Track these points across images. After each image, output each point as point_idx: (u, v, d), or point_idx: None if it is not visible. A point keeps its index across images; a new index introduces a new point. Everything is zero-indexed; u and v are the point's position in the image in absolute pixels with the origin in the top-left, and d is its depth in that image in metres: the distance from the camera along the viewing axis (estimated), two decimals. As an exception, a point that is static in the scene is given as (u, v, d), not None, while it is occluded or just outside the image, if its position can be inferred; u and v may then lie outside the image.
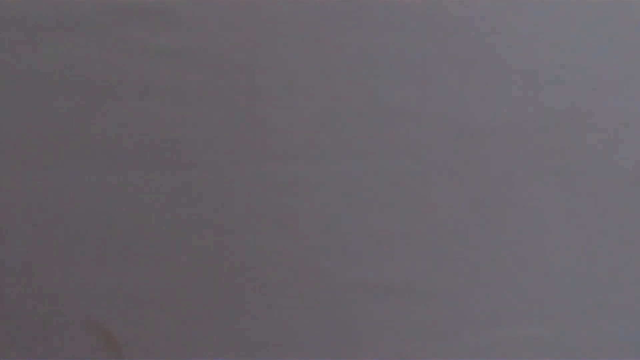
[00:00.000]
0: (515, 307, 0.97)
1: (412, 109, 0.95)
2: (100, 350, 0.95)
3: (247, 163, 0.94)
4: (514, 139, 0.96)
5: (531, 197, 0.97)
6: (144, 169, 0.93)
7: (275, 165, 0.94)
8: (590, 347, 0.98)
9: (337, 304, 0.96)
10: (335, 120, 0.94)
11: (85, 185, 0.93)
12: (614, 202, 0.97)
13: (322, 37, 0.94)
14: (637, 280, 0.98)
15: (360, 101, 0.94)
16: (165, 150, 0.93)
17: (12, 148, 0.92)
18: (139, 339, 0.95)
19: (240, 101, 0.93)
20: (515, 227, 0.97)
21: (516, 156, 0.96)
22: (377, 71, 0.94)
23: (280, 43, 0.93)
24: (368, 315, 0.96)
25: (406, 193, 0.96)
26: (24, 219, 0.93)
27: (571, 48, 0.95)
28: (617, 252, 0.98)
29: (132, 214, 0.94)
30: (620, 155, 0.97)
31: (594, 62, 0.96)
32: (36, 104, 0.92)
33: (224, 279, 0.95)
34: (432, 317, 0.97)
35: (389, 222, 0.96)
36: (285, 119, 0.94)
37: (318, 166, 0.95)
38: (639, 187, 0.97)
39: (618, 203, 0.97)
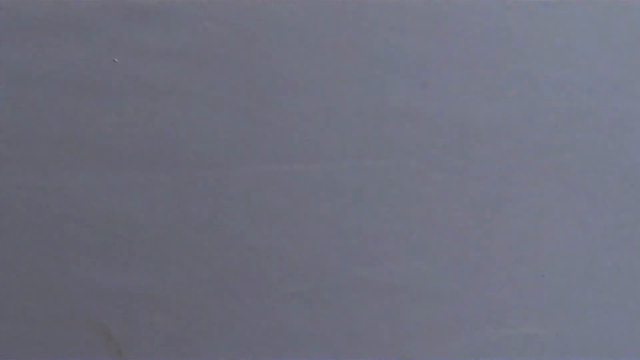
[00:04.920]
0: (515, 307, 0.98)
1: (412, 109, 0.95)
2: (100, 349, 0.95)
3: (247, 163, 0.94)
4: (514, 139, 0.96)
5: (531, 197, 0.97)
6: (144, 169, 0.93)
7: (275, 165, 0.94)
8: (590, 347, 0.98)
9: (337, 303, 0.96)
10: (335, 120, 0.94)
11: (85, 185, 0.93)
12: (614, 202, 0.97)
13: (322, 37, 0.93)
14: (637, 280, 0.98)
15: (360, 101, 0.94)
16: (165, 150, 0.93)
17: (12, 148, 0.92)
18: (139, 339, 0.95)
19: (241, 101, 0.93)
20: (514, 227, 0.97)
21: (516, 156, 0.96)
22: (377, 71, 0.94)
23: (280, 43, 0.93)
24: (368, 315, 0.97)
25: (406, 193, 0.96)
26: (24, 219, 0.93)
27: (571, 48, 0.95)
28: (617, 252, 0.98)
29: (132, 214, 0.94)
30: (620, 155, 0.97)
31: (594, 62, 0.96)
32: (36, 104, 0.92)
33: (224, 279, 0.95)
34: (432, 317, 0.97)
35: (388, 222, 0.96)
36: (285, 119, 0.94)
37: (318, 166, 0.95)
38: (639, 187, 0.97)
39: (618, 203, 0.97)
